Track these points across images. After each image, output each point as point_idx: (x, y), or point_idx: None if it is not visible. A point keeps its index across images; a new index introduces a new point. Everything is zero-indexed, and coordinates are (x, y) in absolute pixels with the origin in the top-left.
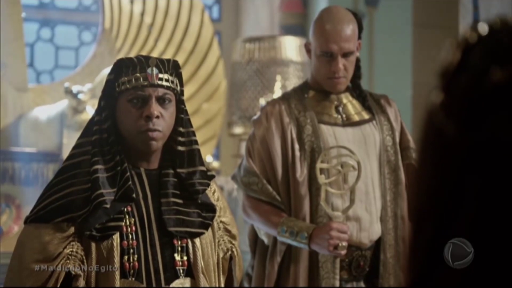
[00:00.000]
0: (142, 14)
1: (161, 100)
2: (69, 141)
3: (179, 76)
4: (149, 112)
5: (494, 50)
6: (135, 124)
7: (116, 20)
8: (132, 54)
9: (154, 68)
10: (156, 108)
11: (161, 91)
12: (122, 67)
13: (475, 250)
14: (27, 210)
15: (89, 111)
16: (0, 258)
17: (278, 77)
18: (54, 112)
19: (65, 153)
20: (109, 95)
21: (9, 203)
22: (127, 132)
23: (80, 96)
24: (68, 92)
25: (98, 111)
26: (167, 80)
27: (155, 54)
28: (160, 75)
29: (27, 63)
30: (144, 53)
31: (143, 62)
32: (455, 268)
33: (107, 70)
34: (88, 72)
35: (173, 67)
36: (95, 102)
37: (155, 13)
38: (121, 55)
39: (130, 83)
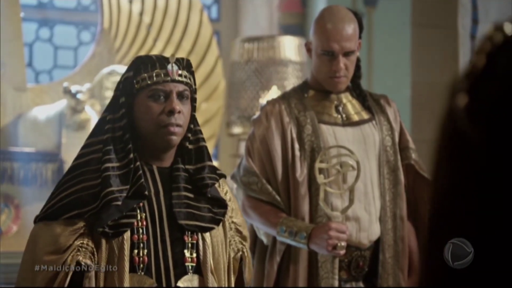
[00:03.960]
0: (141, 14)
1: (180, 96)
2: (68, 141)
3: (192, 74)
4: (171, 107)
5: None
6: (157, 119)
7: (115, 20)
8: (131, 54)
9: (173, 65)
10: (177, 104)
11: (181, 87)
12: (141, 64)
13: (493, 254)
14: (26, 210)
15: (88, 111)
16: (0, 258)
17: (275, 85)
18: (53, 112)
19: (64, 152)
20: (127, 93)
21: (8, 203)
22: (147, 128)
23: (79, 96)
24: (67, 92)
25: (111, 110)
26: (185, 77)
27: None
28: (179, 72)
29: (25, 63)
30: (143, 52)
31: (162, 59)
32: (470, 271)
33: (106, 70)
34: (87, 72)
35: (187, 66)
36: (94, 102)
37: (154, 13)
38: (120, 55)
39: (151, 79)
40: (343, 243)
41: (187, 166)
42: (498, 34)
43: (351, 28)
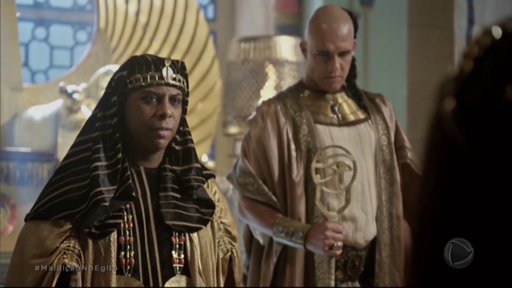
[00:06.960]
0: (137, 14)
1: (172, 100)
2: (64, 140)
3: (186, 77)
4: (163, 111)
5: (508, 61)
6: (148, 122)
7: (111, 20)
8: (127, 54)
9: (169, 68)
10: (169, 108)
11: (174, 91)
12: (136, 64)
13: (482, 258)
14: (22, 210)
15: (84, 110)
16: None
17: (272, 77)
18: (49, 111)
19: (60, 152)
20: (120, 91)
21: (4, 203)
22: (136, 129)
23: (75, 95)
24: (63, 91)
25: (102, 107)
26: (179, 81)
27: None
28: (173, 75)
29: (22, 63)
30: (139, 52)
31: (157, 61)
32: (458, 272)
33: (102, 70)
34: (83, 71)
35: (181, 68)
36: (90, 102)
37: (150, 13)
38: (116, 55)
39: (145, 80)
40: (340, 243)
41: (174, 167)
42: (486, 38)
43: (346, 28)
